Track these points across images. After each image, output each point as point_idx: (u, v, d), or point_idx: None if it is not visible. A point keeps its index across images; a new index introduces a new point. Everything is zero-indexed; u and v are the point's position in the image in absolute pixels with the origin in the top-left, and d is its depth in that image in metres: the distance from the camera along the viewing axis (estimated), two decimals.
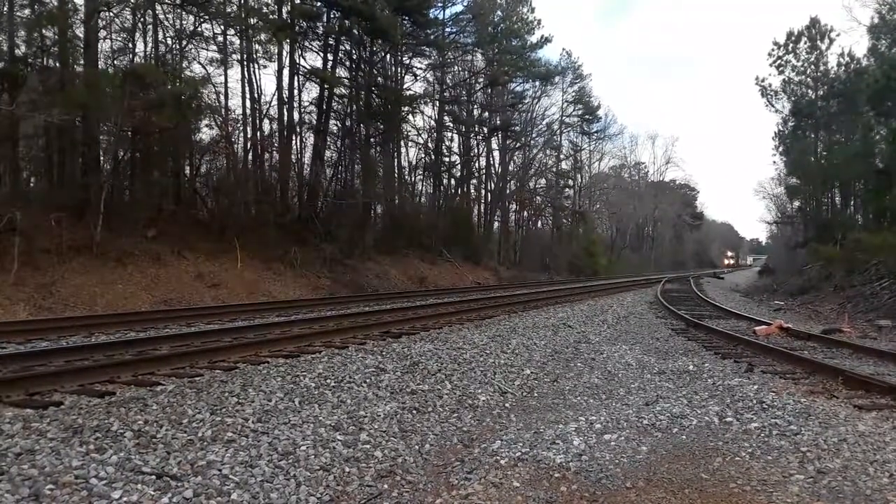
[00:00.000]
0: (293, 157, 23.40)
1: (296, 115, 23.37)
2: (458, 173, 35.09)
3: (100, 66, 16.93)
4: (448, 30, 30.94)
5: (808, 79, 32.46)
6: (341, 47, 24.43)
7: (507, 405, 5.67)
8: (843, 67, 29.88)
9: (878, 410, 4.85)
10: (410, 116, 29.40)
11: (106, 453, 3.49)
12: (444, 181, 34.02)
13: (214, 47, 20.58)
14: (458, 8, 31.33)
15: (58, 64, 16.21)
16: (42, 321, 9.21)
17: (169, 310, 11.76)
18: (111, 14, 17.57)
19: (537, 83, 38.07)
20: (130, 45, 19.20)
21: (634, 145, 79.44)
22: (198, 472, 3.41)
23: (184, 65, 20.00)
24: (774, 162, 46.14)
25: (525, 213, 42.50)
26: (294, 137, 23.51)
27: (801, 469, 3.72)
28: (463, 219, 32.58)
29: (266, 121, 22.66)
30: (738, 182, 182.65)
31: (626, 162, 66.04)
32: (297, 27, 21.80)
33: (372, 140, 27.15)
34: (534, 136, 41.12)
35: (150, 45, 19.48)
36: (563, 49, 59.97)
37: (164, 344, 7.17)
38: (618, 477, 3.70)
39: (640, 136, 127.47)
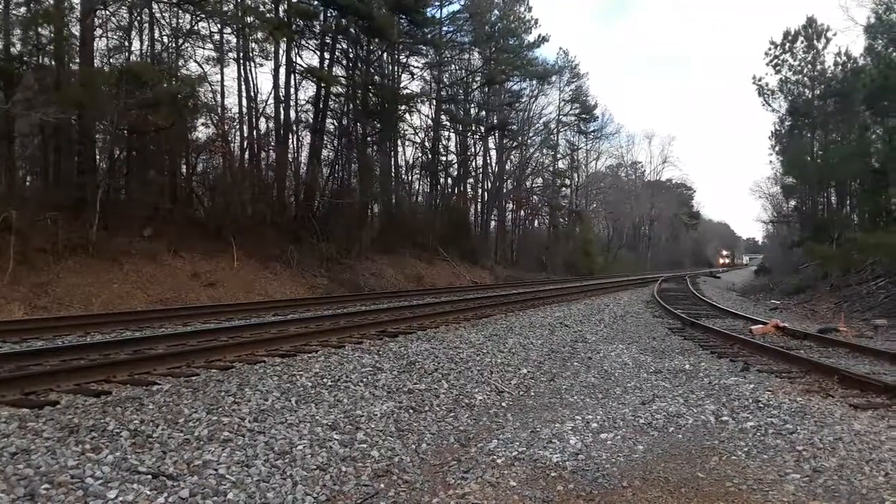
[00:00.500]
0: (290, 156, 23.38)
1: (292, 114, 23.38)
2: (455, 172, 35.12)
3: (96, 65, 16.87)
4: (445, 28, 30.96)
5: (805, 78, 32.50)
6: (338, 46, 24.41)
7: (503, 404, 5.67)
8: (839, 67, 29.92)
9: (873, 409, 4.87)
10: (407, 115, 29.45)
11: (102, 453, 3.48)
12: (441, 180, 34.04)
13: (211, 46, 20.55)
14: (455, 7, 31.49)
15: (53, 62, 16.14)
16: (38, 320, 9.18)
17: (165, 309, 11.72)
18: (107, 12, 17.52)
19: (534, 82, 38.07)
20: (126, 44, 19.17)
21: (631, 144, 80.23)
22: (194, 471, 3.40)
23: (180, 63, 19.97)
24: (771, 161, 46.17)
25: (522, 213, 42.55)
26: (291, 136, 23.49)
27: (796, 468, 3.73)
28: (460, 218, 32.59)
29: (262, 119, 22.67)
30: (734, 181, 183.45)
31: (622, 161, 66.32)
32: (293, 26, 21.75)
33: (369, 139, 27.13)
34: (531, 135, 41.19)
35: (146, 43, 19.46)
36: (561, 48, 59.87)
37: (160, 343, 7.15)
38: (614, 476, 3.71)
39: (637, 136, 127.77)
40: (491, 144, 37.89)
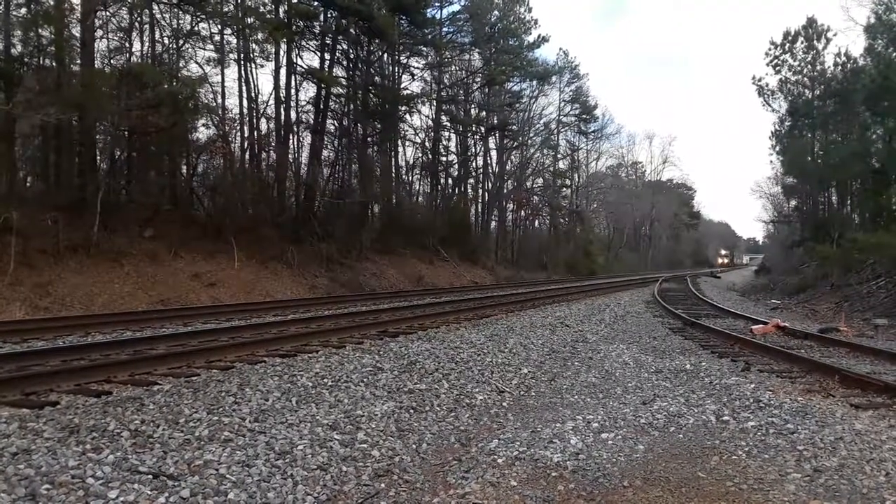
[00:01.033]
0: (290, 156, 23.37)
1: (293, 115, 23.34)
2: (456, 173, 35.11)
3: (96, 66, 16.85)
4: (445, 29, 31.00)
5: (805, 78, 32.53)
6: (338, 47, 24.40)
7: (504, 404, 5.67)
8: (839, 67, 29.93)
9: (874, 409, 4.87)
10: (408, 116, 29.50)
11: (102, 453, 3.49)
12: (442, 181, 34.04)
13: (211, 47, 20.55)
14: (456, 7, 31.42)
15: (54, 63, 16.14)
16: (38, 321, 9.18)
17: (166, 309, 11.73)
18: (108, 13, 17.53)
19: (534, 83, 38.11)
20: (127, 45, 19.15)
21: (632, 145, 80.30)
22: (195, 471, 3.40)
23: (181, 64, 19.97)
24: (771, 161, 46.26)
25: (522, 213, 42.55)
26: (291, 137, 23.47)
27: (797, 468, 3.73)
28: (460, 218, 32.58)
29: (263, 120, 22.66)
30: (735, 181, 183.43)
31: (623, 161, 66.32)
32: (294, 26, 21.75)
33: (369, 139, 27.13)
34: (531, 135, 41.22)
35: (146, 44, 19.45)
36: (561, 48, 59.79)
37: (160, 343, 7.15)
38: (615, 476, 3.71)
39: (638, 136, 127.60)
40: (491, 145, 37.96)
